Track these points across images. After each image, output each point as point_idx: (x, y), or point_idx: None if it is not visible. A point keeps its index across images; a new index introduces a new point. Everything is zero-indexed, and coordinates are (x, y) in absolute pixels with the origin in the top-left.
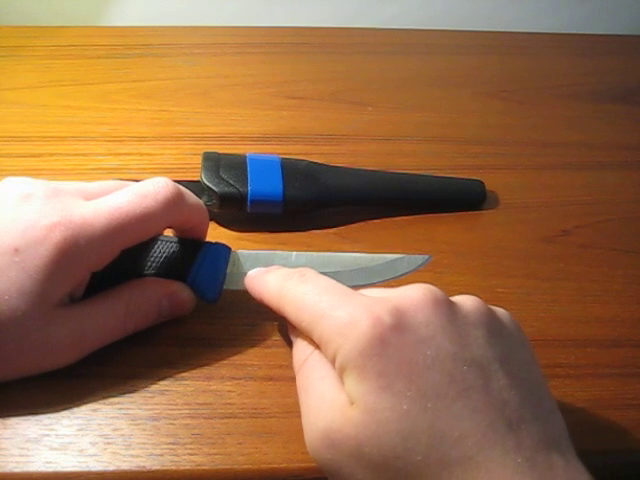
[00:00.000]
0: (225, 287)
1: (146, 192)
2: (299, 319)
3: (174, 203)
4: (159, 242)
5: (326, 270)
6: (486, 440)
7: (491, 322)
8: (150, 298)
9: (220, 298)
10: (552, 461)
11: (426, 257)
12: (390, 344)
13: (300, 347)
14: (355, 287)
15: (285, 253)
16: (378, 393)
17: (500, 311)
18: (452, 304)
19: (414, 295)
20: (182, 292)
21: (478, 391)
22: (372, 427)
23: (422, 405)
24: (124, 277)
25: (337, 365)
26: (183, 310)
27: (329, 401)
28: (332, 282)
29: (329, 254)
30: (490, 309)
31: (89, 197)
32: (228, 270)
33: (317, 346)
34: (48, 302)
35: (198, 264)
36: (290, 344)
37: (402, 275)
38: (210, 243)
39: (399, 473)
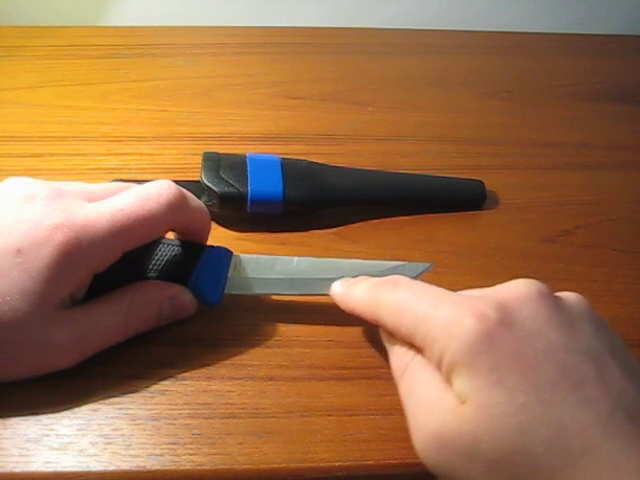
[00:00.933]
0: (226, 291)
1: (149, 195)
2: (399, 324)
3: (177, 206)
4: (161, 245)
5: (327, 276)
6: (606, 431)
7: (594, 316)
8: (151, 301)
9: (221, 302)
10: None
11: (427, 265)
12: (498, 339)
13: (399, 354)
14: None
15: (287, 258)
16: (491, 389)
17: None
18: (556, 297)
19: (516, 289)
20: (183, 295)
21: (593, 382)
22: (487, 422)
23: (538, 397)
24: (126, 280)
25: (444, 365)
26: (184, 313)
27: (438, 403)
28: (427, 285)
29: (330, 260)
30: (591, 305)
31: (92, 198)
32: (229, 274)
33: (417, 351)
34: (50, 303)
35: (200, 267)
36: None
37: None
38: (212, 247)
39: (517, 469)
